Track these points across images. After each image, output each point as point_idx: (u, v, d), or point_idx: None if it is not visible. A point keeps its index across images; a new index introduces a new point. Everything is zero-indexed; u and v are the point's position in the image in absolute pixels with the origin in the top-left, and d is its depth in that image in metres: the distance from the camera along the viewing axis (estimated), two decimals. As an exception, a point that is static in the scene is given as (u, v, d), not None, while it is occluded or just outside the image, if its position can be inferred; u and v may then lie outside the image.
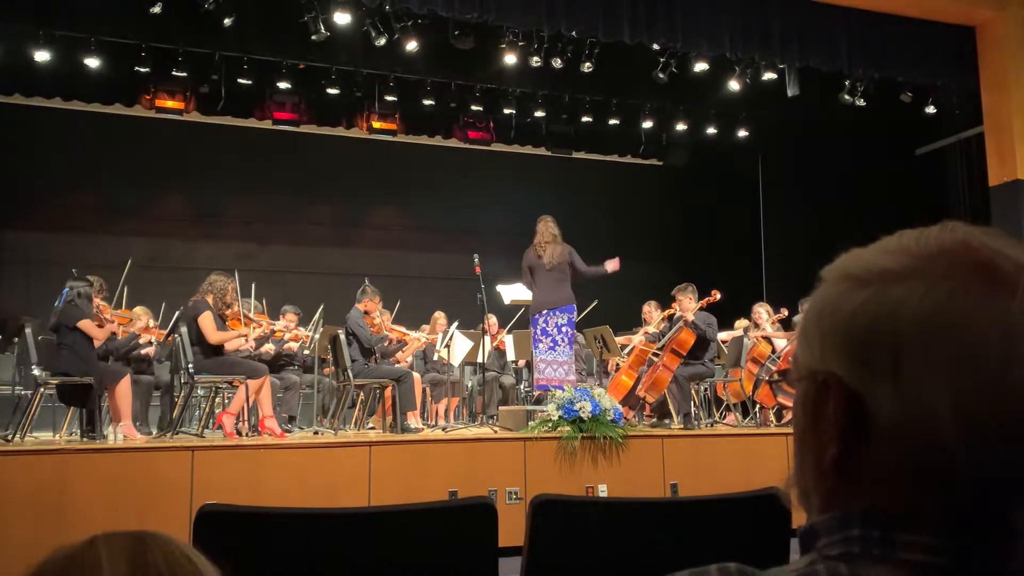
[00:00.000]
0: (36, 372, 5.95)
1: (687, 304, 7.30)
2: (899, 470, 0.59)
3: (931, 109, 9.99)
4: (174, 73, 9.26)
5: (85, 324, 5.88)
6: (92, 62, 8.93)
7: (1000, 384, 0.55)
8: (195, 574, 0.75)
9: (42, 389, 6.01)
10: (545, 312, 6.79)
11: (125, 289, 7.84)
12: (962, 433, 0.55)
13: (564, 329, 6.80)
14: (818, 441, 0.62)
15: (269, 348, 7.56)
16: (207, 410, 7.00)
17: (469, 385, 9.03)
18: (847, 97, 9.36)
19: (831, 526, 0.61)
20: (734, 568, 0.60)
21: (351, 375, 6.62)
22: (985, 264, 0.58)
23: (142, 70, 9.12)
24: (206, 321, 6.14)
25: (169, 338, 7.25)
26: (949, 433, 0.55)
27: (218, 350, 6.28)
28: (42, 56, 8.66)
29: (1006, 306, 0.55)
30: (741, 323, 8.89)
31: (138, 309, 7.63)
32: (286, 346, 7.91)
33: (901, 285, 0.58)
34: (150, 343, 7.49)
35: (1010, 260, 0.58)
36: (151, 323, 7.57)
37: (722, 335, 8.30)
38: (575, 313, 6.95)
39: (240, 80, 9.45)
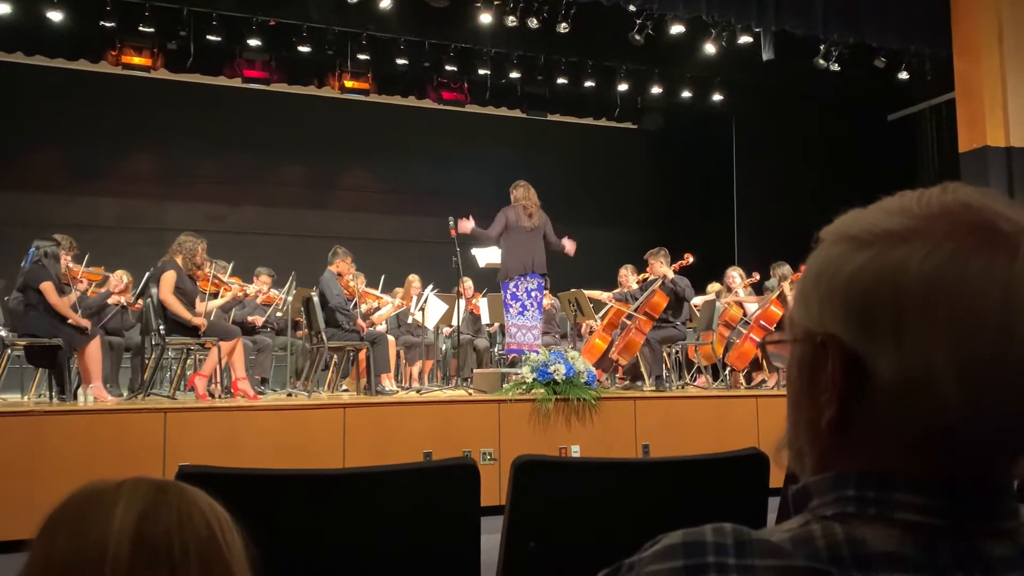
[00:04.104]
0: (3, 333, 5.87)
1: (658, 268, 7.34)
2: (897, 431, 0.59)
3: (904, 75, 10.03)
4: (141, 29, 9.03)
5: (46, 287, 5.76)
6: (55, 15, 8.68)
7: (1001, 345, 0.55)
8: (208, 536, 0.75)
9: (9, 350, 5.92)
10: (517, 277, 6.77)
11: (102, 267, 7.70)
12: (963, 394, 0.55)
13: (534, 294, 6.81)
14: (814, 403, 0.62)
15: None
16: (179, 372, 6.95)
17: (443, 348, 9.04)
18: (822, 62, 9.37)
19: (825, 486, 0.62)
20: (729, 528, 0.60)
21: (324, 337, 6.60)
22: (986, 225, 0.58)
23: (108, 25, 8.88)
24: (166, 279, 6.02)
25: (138, 301, 7.16)
26: (950, 394, 0.55)
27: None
28: (2, 9, 8.40)
29: (1007, 267, 0.56)
30: (713, 287, 8.97)
31: (119, 272, 7.54)
32: (252, 317, 7.82)
33: (903, 247, 0.58)
34: (118, 305, 7.40)
35: (1010, 221, 0.58)
36: (125, 279, 7.47)
37: (696, 300, 8.36)
38: (544, 279, 6.96)
39: (209, 37, 9.24)
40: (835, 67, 9.38)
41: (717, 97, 11.26)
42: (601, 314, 7.81)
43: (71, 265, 6.57)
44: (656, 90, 11.19)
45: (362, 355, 6.83)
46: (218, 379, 6.58)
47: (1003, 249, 0.56)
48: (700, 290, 8.68)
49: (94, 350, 5.92)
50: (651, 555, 0.60)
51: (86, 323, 6.12)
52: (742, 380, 7.88)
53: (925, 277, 0.56)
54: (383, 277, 8.88)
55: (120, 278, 7.46)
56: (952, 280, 0.56)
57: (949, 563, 0.57)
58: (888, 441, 0.60)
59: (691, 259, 7.56)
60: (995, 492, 0.60)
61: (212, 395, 6.21)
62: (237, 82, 10.48)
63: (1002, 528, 0.59)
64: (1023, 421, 0.57)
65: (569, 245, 7.03)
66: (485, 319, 8.89)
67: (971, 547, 0.58)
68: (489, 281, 8.78)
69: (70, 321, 5.96)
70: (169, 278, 6.03)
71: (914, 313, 0.56)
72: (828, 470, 0.62)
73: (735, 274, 8.36)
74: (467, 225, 6.82)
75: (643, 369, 7.30)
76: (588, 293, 7.88)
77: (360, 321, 7.15)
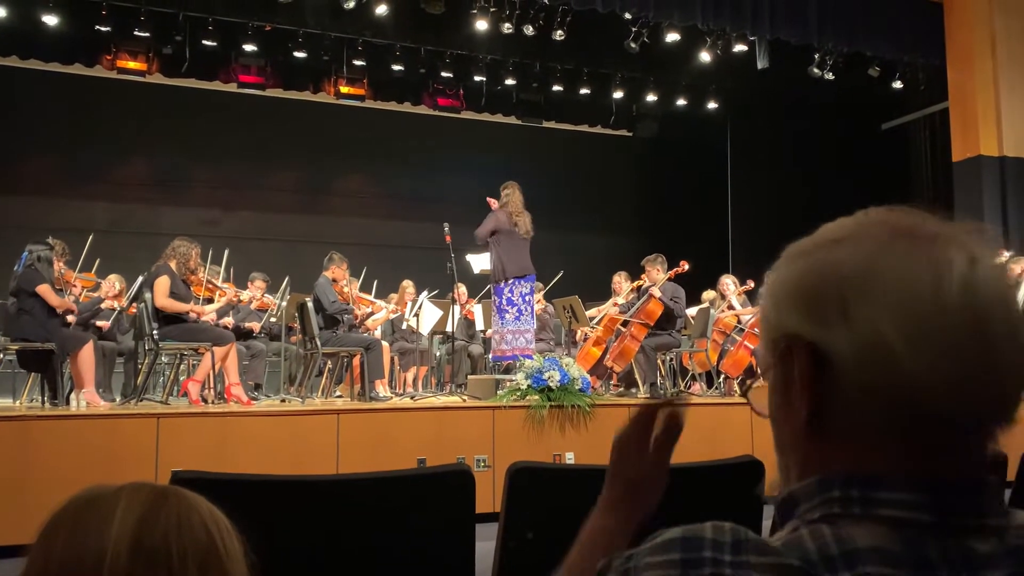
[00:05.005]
0: (-5, 337, 5.84)
1: (655, 275, 7.35)
2: (866, 410, 0.62)
3: (898, 84, 10.08)
4: (136, 33, 9.04)
5: (44, 289, 5.74)
6: (50, 19, 8.67)
7: (933, 303, 0.60)
8: (207, 543, 0.75)
9: (1, 355, 5.89)
10: (511, 281, 6.76)
11: (97, 261, 7.71)
12: (912, 351, 0.60)
13: (527, 298, 6.80)
14: (792, 410, 0.65)
15: (228, 322, 7.45)
16: (172, 377, 6.93)
17: (438, 354, 9.03)
18: (816, 71, 9.41)
19: (810, 491, 0.63)
20: (728, 527, 0.61)
21: (319, 343, 6.58)
22: (908, 227, 0.65)
23: (103, 29, 8.88)
24: (160, 284, 6.01)
25: (132, 306, 7.14)
26: (899, 350, 0.60)
27: (179, 316, 6.15)
28: (-2, 12, 8.40)
29: (929, 247, 0.63)
30: (708, 294, 8.97)
31: (112, 277, 7.51)
32: (248, 324, 7.80)
33: (839, 248, 0.65)
34: (113, 310, 7.37)
35: (929, 226, 0.65)
36: (118, 285, 7.45)
37: (690, 311, 8.36)
38: (535, 281, 6.98)
39: (205, 42, 9.25)
40: (829, 76, 9.42)
41: (712, 105, 11.30)
42: (596, 321, 7.81)
43: (64, 270, 6.54)
44: (651, 97, 11.23)
45: (356, 361, 6.82)
46: (211, 384, 6.55)
47: (923, 239, 0.63)
48: (694, 298, 8.68)
49: (87, 355, 5.89)
50: (650, 547, 0.62)
51: (72, 306, 6.12)
52: (736, 387, 7.88)
53: (860, 262, 0.63)
54: (375, 282, 8.87)
55: (113, 284, 7.44)
56: (884, 260, 0.63)
57: (935, 558, 0.58)
58: (862, 429, 0.62)
59: (686, 266, 7.56)
60: (979, 487, 0.62)
61: (205, 400, 6.18)
62: (232, 87, 10.47)
63: (989, 525, 0.61)
64: (971, 371, 0.60)
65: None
66: (480, 325, 8.88)
67: (958, 543, 0.59)
68: (484, 287, 8.78)
69: (69, 319, 5.94)
70: (163, 284, 6.01)
71: (855, 293, 0.62)
72: (812, 475, 0.64)
73: (729, 282, 8.35)
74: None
75: (637, 376, 7.29)
76: (590, 313, 7.88)
77: (357, 312, 7.21)
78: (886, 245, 0.63)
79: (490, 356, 8.07)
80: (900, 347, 0.59)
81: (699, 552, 0.59)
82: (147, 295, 6.15)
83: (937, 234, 0.63)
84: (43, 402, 5.86)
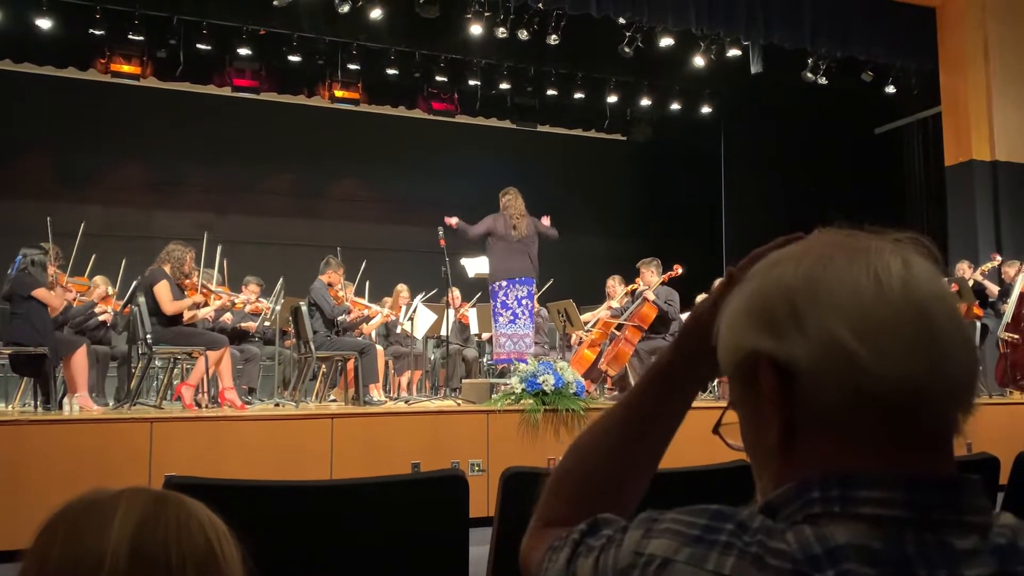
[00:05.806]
0: (-12, 342, 5.81)
1: (650, 278, 7.36)
2: (834, 413, 0.64)
3: (891, 89, 10.12)
4: (130, 37, 9.04)
5: (41, 293, 5.72)
6: (44, 23, 8.65)
7: (878, 302, 0.63)
8: (206, 548, 0.75)
9: (-6, 359, 5.87)
10: (505, 283, 6.76)
11: (92, 257, 7.70)
12: (866, 349, 0.62)
13: (524, 302, 6.79)
14: (764, 429, 0.68)
15: (228, 317, 7.47)
16: (165, 381, 6.91)
17: (432, 358, 9.02)
18: (809, 75, 9.45)
19: (789, 495, 0.64)
20: (760, 517, 0.64)
21: (313, 347, 6.57)
22: (842, 243, 0.69)
23: (97, 33, 8.87)
24: (162, 291, 6.01)
25: (126, 308, 7.12)
26: (854, 348, 0.62)
27: (176, 320, 6.17)
28: (-9, 16, 8.38)
29: (865, 255, 0.66)
30: (701, 298, 8.98)
31: (98, 278, 7.48)
32: (244, 324, 7.80)
33: (778, 267, 0.69)
34: (106, 312, 7.36)
35: (862, 239, 0.69)
36: (110, 290, 7.43)
37: (684, 315, 8.37)
38: (534, 285, 6.96)
39: (199, 45, 9.25)
40: (823, 80, 9.46)
41: (706, 109, 11.34)
42: (590, 325, 7.81)
43: (57, 273, 6.52)
44: (645, 102, 11.26)
45: (350, 365, 6.81)
46: (205, 389, 6.54)
47: (859, 250, 0.67)
48: (688, 301, 8.68)
49: (80, 359, 5.87)
50: (685, 509, 0.66)
51: (70, 296, 6.16)
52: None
53: (803, 274, 0.67)
54: (367, 284, 8.85)
55: (105, 289, 7.41)
56: (824, 272, 0.66)
57: (914, 554, 0.59)
58: (833, 432, 0.64)
59: (680, 270, 7.58)
60: (958, 485, 0.63)
61: (199, 405, 6.17)
62: (227, 91, 10.47)
63: (969, 522, 0.62)
64: (923, 360, 0.62)
65: (545, 220, 7.03)
66: (474, 329, 8.88)
67: (936, 539, 0.60)
68: (478, 290, 8.78)
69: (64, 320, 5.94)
70: (165, 290, 6.01)
71: (804, 303, 0.65)
72: (788, 482, 0.65)
73: (723, 285, 8.36)
74: (452, 220, 6.91)
75: (632, 380, 7.30)
76: (584, 317, 7.88)
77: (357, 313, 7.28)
78: (825, 258, 0.67)
79: (485, 359, 8.07)
80: (855, 346, 0.62)
81: (723, 524, 0.63)
82: (140, 299, 6.14)
83: (870, 245, 0.67)
84: (36, 406, 5.83)
